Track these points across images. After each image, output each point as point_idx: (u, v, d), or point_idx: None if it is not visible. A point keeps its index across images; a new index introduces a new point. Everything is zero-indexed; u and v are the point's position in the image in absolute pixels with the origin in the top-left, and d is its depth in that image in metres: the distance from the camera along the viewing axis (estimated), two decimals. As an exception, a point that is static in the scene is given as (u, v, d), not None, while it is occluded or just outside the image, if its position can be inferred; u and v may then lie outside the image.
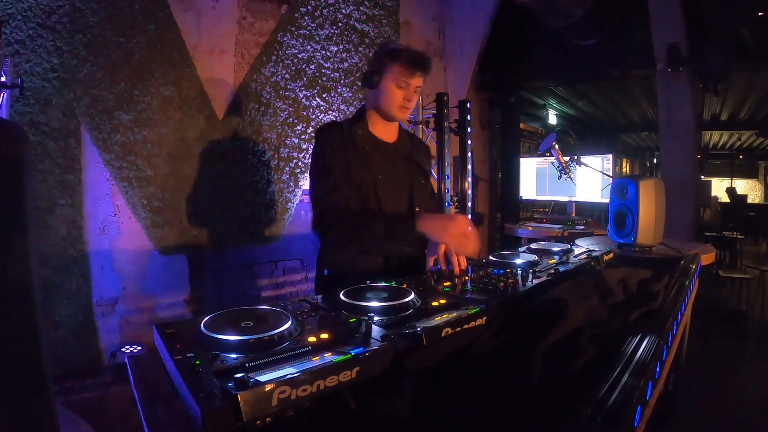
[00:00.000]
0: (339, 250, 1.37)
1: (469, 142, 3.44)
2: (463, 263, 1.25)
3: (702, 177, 8.91)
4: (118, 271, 2.33)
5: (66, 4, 2.12)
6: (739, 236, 5.23)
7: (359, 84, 3.22)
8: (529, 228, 3.43)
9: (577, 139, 3.09)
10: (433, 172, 3.30)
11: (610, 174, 3.14)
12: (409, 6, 3.71)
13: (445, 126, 3.20)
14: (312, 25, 3.01)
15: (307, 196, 2.92)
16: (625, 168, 12.51)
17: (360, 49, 3.30)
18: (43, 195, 2.11)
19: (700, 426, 2.13)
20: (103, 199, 2.28)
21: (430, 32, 4.00)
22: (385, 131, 1.47)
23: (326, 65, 3.10)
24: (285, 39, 2.88)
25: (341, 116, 3.15)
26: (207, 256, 2.60)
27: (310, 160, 1.52)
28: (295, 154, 2.95)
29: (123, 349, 2.25)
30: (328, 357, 0.62)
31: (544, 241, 1.78)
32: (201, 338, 0.70)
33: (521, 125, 5.89)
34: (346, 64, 3.20)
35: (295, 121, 2.95)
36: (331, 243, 1.37)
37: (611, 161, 3.29)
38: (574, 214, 3.50)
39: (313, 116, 3.05)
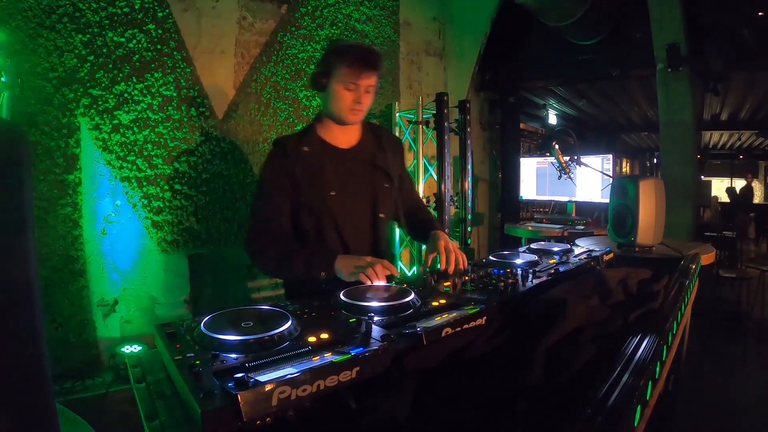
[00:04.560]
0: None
1: (469, 142, 3.44)
2: (462, 263, 1.24)
3: (702, 177, 8.91)
4: (118, 271, 2.33)
5: (66, 4, 2.12)
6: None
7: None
8: (529, 228, 3.43)
9: (577, 139, 3.09)
10: (433, 173, 3.30)
11: (610, 174, 3.14)
12: (409, 6, 3.71)
13: (445, 126, 3.19)
14: (312, 25, 3.01)
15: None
16: (625, 168, 12.50)
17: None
18: (43, 195, 2.11)
19: (700, 426, 2.13)
20: (103, 199, 2.28)
21: (430, 32, 4.00)
22: (342, 137, 1.38)
23: (326, 65, 3.10)
24: (285, 39, 2.88)
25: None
26: (207, 256, 2.60)
27: None
28: (295, 154, 2.95)
29: (123, 349, 2.25)
30: (328, 357, 0.62)
31: (544, 241, 1.77)
32: (201, 338, 0.70)
33: (521, 125, 5.89)
34: (346, 64, 3.20)
35: (295, 121, 2.94)
36: (259, 270, 1.34)
37: (611, 161, 3.29)
38: (574, 214, 3.50)
39: (313, 116, 3.04)
